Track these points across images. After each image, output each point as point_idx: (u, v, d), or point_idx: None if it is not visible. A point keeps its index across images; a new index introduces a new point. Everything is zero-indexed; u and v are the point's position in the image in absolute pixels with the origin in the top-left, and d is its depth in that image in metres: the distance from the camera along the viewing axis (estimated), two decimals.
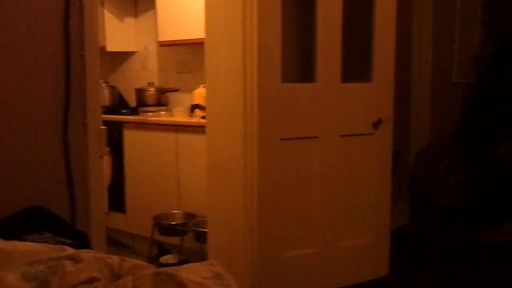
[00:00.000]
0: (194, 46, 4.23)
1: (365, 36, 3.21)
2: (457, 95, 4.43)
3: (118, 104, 4.81)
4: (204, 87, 3.47)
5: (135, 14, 4.87)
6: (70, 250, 1.54)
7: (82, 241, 2.05)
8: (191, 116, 3.93)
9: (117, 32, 4.73)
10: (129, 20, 4.83)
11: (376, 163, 3.29)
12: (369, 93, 3.22)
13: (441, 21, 4.55)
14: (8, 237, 1.68)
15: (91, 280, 1.37)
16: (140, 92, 4.65)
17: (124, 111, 4.50)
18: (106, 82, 4.90)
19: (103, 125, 2.37)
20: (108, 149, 3.92)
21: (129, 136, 4.14)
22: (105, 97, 4.66)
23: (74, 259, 1.44)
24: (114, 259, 1.47)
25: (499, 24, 4.24)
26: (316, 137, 3.09)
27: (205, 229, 3.26)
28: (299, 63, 3.28)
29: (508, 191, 4.02)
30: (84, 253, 1.48)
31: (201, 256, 3.42)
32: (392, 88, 3.28)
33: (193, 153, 3.70)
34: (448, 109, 4.53)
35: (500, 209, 4.04)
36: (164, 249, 4.01)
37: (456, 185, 4.33)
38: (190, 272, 1.34)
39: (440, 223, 4.33)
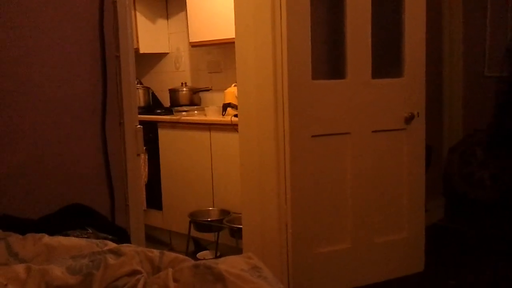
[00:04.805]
0: (225, 46, 4.29)
1: (395, 31, 3.20)
2: (490, 89, 4.36)
3: (153, 105, 4.91)
4: (235, 86, 3.51)
5: (167, 16, 4.96)
6: (112, 245, 1.58)
7: (122, 237, 2.08)
8: (223, 115, 3.99)
9: (149, 34, 4.82)
10: (161, 22, 4.92)
11: (409, 158, 3.29)
12: (400, 89, 3.22)
13: (472, 14, 4.49)
14: (52, 233, 1.73)
15: (133, 273, 1.40)
16: (173, 92, 4.73)
17: (159, 111, 4.59)
18: (140, 83, 5.00)
19: (139, 125, 2.43)
20: (144, 148, 4.04)
21: (164, 136, 4.22)
22: (140, 98, 4.76)
23: (116, 253, 1.49)
24: (155, 252, 1.52)
25: None
26: (348, 133, 3.11)
27: (240, 225, 3.31)
28: (329, 60, 3.29)
29: None
30: (125, 247, 1.52)
31: (236, 252, 3.46)
32: (423, 83, 3.27)
33: (226, 151, 3.75)
34: (481, 104, 4.46)
35: None
36: (200, 245, 4.08)
37: (490, 180, 4.28)
38: (229, 264, 1.37)
39: (475, 218, 4.28)
